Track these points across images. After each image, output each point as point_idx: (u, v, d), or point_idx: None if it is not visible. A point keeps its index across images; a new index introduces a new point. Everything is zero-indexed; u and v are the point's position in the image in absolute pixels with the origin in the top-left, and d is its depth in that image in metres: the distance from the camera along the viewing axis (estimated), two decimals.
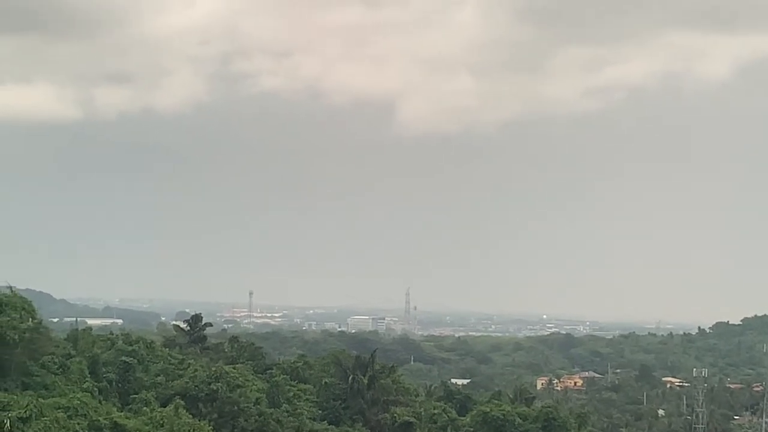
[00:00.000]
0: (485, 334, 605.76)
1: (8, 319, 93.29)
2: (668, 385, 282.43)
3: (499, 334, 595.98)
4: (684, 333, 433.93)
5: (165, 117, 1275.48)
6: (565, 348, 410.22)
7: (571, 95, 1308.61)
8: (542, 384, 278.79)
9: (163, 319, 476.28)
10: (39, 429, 78.45)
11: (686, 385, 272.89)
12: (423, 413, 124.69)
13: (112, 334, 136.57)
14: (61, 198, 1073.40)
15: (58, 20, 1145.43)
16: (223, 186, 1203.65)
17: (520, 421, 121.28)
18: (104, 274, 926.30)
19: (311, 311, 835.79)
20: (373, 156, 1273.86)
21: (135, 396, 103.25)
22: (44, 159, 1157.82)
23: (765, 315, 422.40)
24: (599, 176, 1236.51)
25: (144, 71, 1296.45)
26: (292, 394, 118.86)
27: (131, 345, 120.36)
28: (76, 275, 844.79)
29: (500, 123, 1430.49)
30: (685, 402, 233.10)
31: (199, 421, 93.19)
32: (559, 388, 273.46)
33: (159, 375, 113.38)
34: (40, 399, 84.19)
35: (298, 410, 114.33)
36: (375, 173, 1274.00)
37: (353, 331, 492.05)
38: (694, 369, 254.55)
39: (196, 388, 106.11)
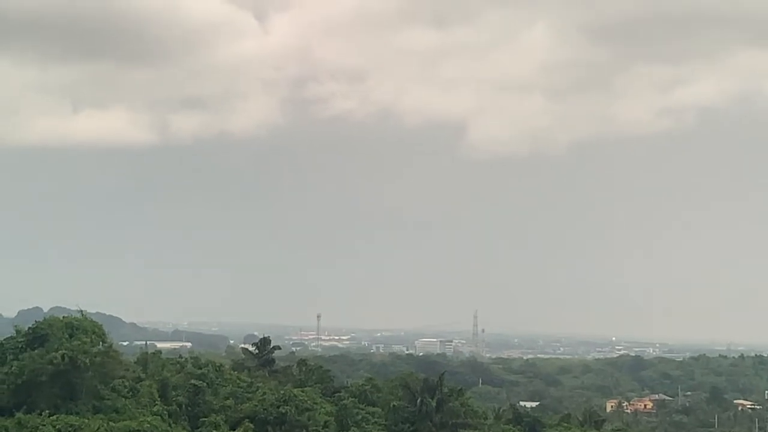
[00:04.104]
0: (553, 356, 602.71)
1: (79, 342, 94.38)
2: (740, 408, 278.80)
3: (568, 357, 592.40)
4: (756, 355, 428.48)
5: (239, 141, 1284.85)
6: (635, 370, 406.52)
7: (643, 115, 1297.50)
8: (612, 407, 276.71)
9: (232, 342, 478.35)
10: None
11: (758, 407, 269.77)
12: None
13: (182, 358, 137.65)
14: (135, 222, 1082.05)
15: (133, 47, 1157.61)
16: (292, 209, 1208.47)
17: None
18: (173, 298, 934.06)
19: (379, 334, 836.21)
20: (443, 178, 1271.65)
21: (204, 419, 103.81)
22: (119, 183, 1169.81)
23: None
24: (671, 197, 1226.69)
25: (219, 96, 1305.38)
26: (360, 417, 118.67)
27: (200, 368, 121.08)
28: (145, 298, 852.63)
29: (572, 144, 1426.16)
30: (757, 425, 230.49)
31: None
32: (629, 411, 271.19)
33: (228, 398, 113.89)
34: (110, 422, 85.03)
35: None
36: (445, 195, 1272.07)
37: (421, 353, 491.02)
38: (766, 391, 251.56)
39: (265, 411, 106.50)
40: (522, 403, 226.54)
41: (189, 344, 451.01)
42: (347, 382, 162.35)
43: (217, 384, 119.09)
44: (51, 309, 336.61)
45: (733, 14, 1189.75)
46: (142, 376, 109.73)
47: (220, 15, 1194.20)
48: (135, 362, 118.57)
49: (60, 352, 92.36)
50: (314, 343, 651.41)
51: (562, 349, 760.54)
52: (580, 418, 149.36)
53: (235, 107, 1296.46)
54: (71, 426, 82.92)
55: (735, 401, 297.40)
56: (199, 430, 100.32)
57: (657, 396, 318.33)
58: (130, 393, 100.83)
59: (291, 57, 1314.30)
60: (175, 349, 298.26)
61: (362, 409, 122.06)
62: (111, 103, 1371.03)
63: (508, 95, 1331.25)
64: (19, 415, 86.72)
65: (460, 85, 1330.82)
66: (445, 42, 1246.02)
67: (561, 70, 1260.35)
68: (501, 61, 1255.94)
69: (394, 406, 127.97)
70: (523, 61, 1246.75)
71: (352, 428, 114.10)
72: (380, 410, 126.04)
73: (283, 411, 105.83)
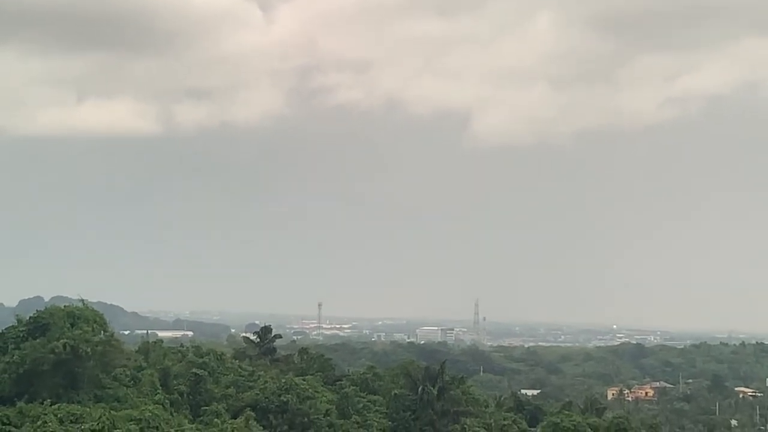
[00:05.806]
0: (555, 344, 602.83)
1: (81, 332, 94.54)
2: (741, 396, 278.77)
3: (569, 345, 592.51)
4: (757, 342, 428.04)
5: (244, 131, 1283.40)
6: (636, 358, 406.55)
7: (648, 105, 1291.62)
8: (613, 394, 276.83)
9: (233, 331, 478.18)
10: None
11: (759, 395, 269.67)
12: (493, 424, 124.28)
13: (183, 347, 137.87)
14: (138, 211, 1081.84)
15: (138, 37, 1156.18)
16: (296, 199, 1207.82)
17: (591, 431, 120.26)
18: (174, 287, 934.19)
19: (380, 322, 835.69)
20: (448, 167, 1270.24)
21: (206, 408, 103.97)
22: (123, 173, 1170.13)
23: None
24: (674, 187, 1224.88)
25: (223, 86, 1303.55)
26: (361, 405, 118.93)
27: (202, 357, 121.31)
28: (146, 288, 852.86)
29: (576, 134, 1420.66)
30: (758, 412, 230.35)
31: None
32: (630, 399, 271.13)
33: (229, 387, 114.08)
34: (112, 411, 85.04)
35: (368, 421, 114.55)
36: (449, 184, 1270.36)
37: (422, 342, 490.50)
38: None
39: (267, 400, 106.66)
40: (523, 391, 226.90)
41: (190, 333, 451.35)
42: (348, 371, 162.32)
43: (219, 373, 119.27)
44: (52, 298, 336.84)
45: (737, 3, 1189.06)
46: (144, 365, 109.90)
47: (224, 5, 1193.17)
48: (136, 351, 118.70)
49: (61, 341, 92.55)
50: (315, 332, 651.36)
51: (563, 337, 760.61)
52: (582, 406, 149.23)
53: (239, 98, 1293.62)
54: (73, 415, 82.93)
55: (736, 389, 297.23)
56: (201, 418, 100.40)
57: (658, 384, 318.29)
58: (132, 382, 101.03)
59: (296, 47, 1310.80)
60: (176, 338, 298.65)
61: (363, 398, 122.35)
62: (115, 94, 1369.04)
63: (513, 85, 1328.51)
64: (20, 404, 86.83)
65: (465, 75, 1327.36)
66: (449, 32, 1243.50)
67: (565, 60, 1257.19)
68: (506, 51, 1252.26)
69: (395, 394, 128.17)
70: (527, 52, 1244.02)
71: (354, 416, 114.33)
72: (381, 398, 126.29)
73: (285, 399, 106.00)
